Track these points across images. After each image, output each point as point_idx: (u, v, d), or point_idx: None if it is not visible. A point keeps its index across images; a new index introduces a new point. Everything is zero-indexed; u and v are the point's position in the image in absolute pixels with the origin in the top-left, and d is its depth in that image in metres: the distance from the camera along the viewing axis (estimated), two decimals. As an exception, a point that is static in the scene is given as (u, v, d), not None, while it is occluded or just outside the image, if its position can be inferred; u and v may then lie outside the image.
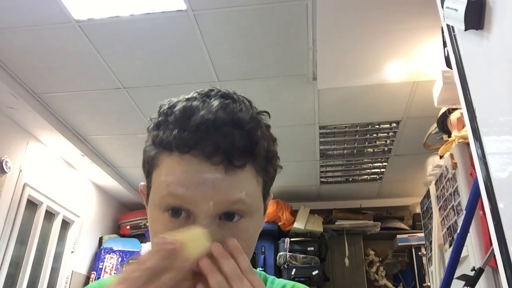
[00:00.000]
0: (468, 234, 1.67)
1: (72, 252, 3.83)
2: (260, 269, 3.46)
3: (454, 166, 2.10)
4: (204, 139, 0.56)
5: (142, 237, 4.34)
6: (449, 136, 2.35)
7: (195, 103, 0.59)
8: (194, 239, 0.53)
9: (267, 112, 0.66)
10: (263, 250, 4.14)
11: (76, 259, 3.88)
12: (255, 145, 0.59)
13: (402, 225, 4.48)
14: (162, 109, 0.61)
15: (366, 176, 4.29)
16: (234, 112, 0.58)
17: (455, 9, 0.94)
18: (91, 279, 3.92)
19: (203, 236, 0.54)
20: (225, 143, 0.56)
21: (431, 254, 2.47)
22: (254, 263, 4.07)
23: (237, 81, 2.74)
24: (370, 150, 3.76)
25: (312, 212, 4.35)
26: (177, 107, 0.59)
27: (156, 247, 0.50)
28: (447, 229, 2.23)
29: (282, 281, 0.73)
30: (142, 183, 0.68)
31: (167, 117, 0.59)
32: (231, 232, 0.57)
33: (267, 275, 0.73)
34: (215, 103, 0.58)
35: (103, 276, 3.89)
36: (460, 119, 2.25)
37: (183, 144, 0.57)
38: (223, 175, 0.56)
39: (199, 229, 0.55)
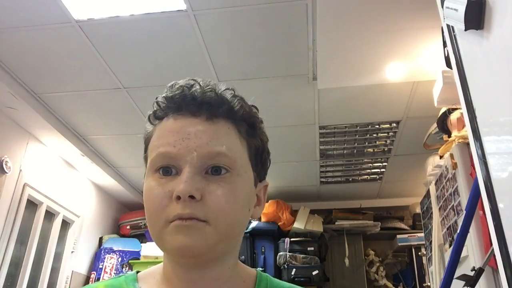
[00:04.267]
0: (468, 234, 1.67)
1: (72, 252, 3.83)
2: (260, 269, 3.45)
3: (454, 166, 2.10)
4: (185, 99, 0.64)
5: (142, 237, 4.34)
6: (449, 136, 2.35)
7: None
8: None
9: (257, 108, 0.71)
10: (263, 250, 4.14)
11: (76, 259, 3.88)
12: (234, 103, 0.66)
13: (402, 225, 4.48)
14: (157, 97, 0.69)
15: (366, 176, 4.29)
16: (216, 85, 0.67)
17: (455, 9, 0.94)
18: (91, 279, 3.92)
19: None
20: (206, 98, 0.64)
21: (431, 254, 2.47)
22: (254, 263, 4.07)
23: (237, 81, 2.74)
24: (370, 150, 3.76)
25: (312, 212, 4.36)
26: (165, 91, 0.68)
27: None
28: (447, 229, 2.23)
29: (280, 283, 0.74)
30: None
31: (158, 99, 0.68)
32: (217, 184, 0.61)
33: (263, 274, 0.74)
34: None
35: (103, 277, 3.89)
36: (460, 119, 2.25)
37: (169, 106, 0.65)
38: (204, 126, 0.63)
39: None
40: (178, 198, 0.59)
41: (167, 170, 0.62)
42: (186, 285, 0.65)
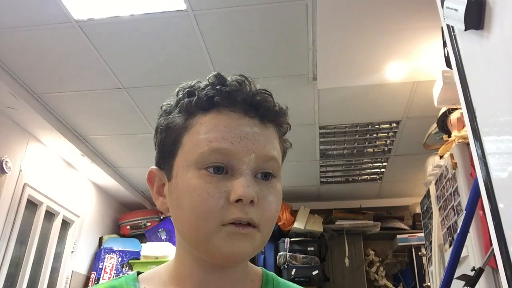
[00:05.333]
0: (468, 234, 1.67)
1: (72, 252, 3.83)
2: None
3: (454, 166, 2.10)
4: (239, 95, 0.61)
5: (142, 237, 4.34)
6: (449, 136, 2.35)
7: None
8: None
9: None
10: (263, 250, 4.14)
11: (76, 259, 3.88)
12: (281, 108, 0.65)
13: (402, 225, 4.48)
14: (184, 87, 0.65)
15: (366, 176, 4.29)
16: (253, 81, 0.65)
17: (455, 9, 0.94)
18: (91, 279, 3.92)
19: None
20: (259, 100, 0.62)
21: (431, 254, 2.47)
22: (254, 263, 4.06)
23: (237, 81, 2.74)
24: (370, 150, 3.76)
25: (312, 212, 4.35)
26: (208, 78, 0.63)
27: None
28: (447, 229, 2.23)
29: (286, 282, 0.73)
30: (153, 167, 0.66)
31: (195, 86, 0.63)
32: (267, 189, 0.60)
33: (268, 272, 0.73)
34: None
35: (103, 277, 3.89)
36: (460, 119, 2.25)
37: (221, 100, 0.60)
38: (260, 129, 0.61)
39: None
40: (239, 201, 0.56)
41: (219, 168, 0.58)
42: (200, 286, 0.63)
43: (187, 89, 0.63)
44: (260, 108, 0.62)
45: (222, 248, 0.56)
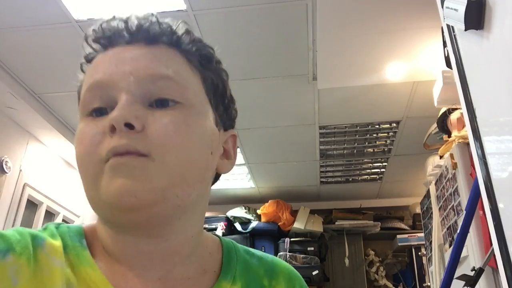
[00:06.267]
0: (468, 234, 1.67)
1: (72, 252, 3.83)
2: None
3: (454, 166, 2.10)
4: (119, 30, 0.52)
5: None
6: (449, 136, 2.35)
7: None
8: None
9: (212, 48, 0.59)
10: (263, 250, 4.14)
11: (76, 259, 3.87)
12: (180, 29, 0.54)
13: (402, 225, 4.48)
14: None
15: (366, 176, 4.29)
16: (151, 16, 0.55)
17: (455, 9, 0.94)
18: (91, 279, 3.91)
19: None
20: (143, 26, 0.52)
21: (431, 254, 2.47)
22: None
23: (237, 81, 2.74)
24: (370, 150, 3.76)
25: (312, 212, 4.35)
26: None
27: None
28: (447, 229, 2.23)
29: (249, 250, 0.62)
30: None
31: (86, 41, 0.55)
32: (162, 112, 0.48)
33: (226, 240, 0.61)
34: None
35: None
36: (460, 119, 2.25)
37: (100, 43, 0.52)
38: (143, 50, 0.51)
39: None
40: (113, 129, 0.45)
41: (101, 111, 0.49)
42: (138, 261, 0.50)
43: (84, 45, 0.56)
44: (141, 33, 0.52)
45: (108, 189, 0.45)
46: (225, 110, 0.58)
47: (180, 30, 0.54)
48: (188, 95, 0.50)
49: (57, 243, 0.51)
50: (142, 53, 0.50)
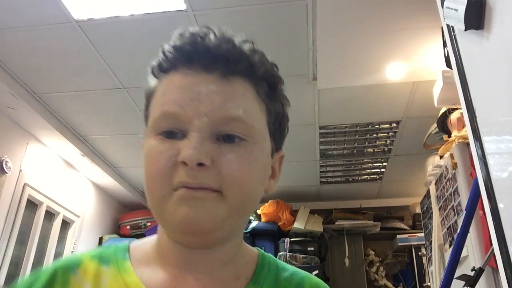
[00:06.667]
0: (468, 234, 1.67)
1: (72, 252, 3.83)
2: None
3: (454, 166, 2.10)
4: (198, 50, 0.54)
5: (142, 237, 4.32)
6: (449, 136, 2.35)
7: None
8: None
9: (277, 66, 0.63)
10: (263, 250, 4.13)
11: (76, 259, 3.87)
12: (255, 58, 0.56)
13: (402, 225, 4.48)
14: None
15: (366, 176, 4.29)
16: (227, 33, 0.57)
17: (455, 9, 0.94)
18: (91, 279, 3.91)
19: None
20: (222, 51, 0.54)
21: (431, 254, 2.47)
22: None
23: (237, 81, 2.74)
24: (370, 150, 3.76)
25: (312, 212, 4.35)
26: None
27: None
28: (447, 229, 2.23)
29: (285, 265, 0.66)
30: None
31: (164, 48, 0.58)
32: (229, 149, 0.52)
33: (265, 254, 0.67)
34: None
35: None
36: (460, 119, 2.25)
37: (177, 58, 0.55)
38: (218, 86, 0.53)
39: None
40: (184, 164, 0.50)
41: (172, 133, 0.53)
42: (183, 265, 0.57)
43: (160, 50, 0.59)
44: (219, 60, 0.54)
45: (175, 214, 0.50)
46: (280, 134, 0.62)
47: (253, 55, 0.57)
48: (253, 133, 0.55)
49: (92, 266, 0.58)
50: (217, 90, 0.53)
